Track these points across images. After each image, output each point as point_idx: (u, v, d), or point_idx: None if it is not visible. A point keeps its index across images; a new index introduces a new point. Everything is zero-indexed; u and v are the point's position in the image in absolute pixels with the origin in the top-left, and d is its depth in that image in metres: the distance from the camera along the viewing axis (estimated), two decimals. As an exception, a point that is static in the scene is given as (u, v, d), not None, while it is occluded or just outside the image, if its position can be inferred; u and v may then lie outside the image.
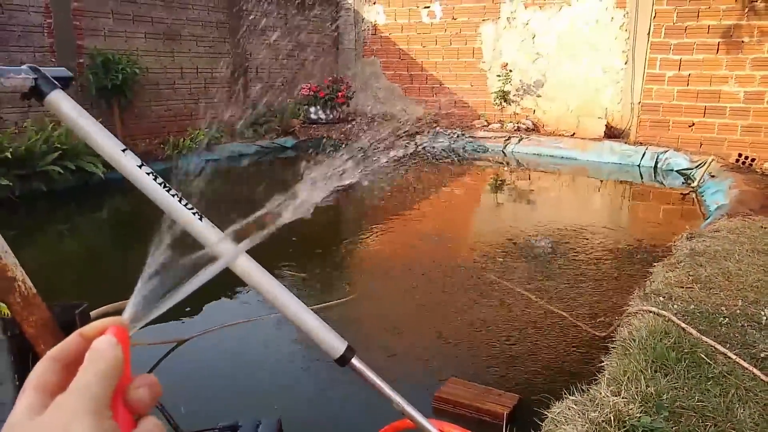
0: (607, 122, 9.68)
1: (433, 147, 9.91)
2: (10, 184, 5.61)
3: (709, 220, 4.90)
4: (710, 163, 7.21)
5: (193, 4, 9.11)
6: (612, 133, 9.75)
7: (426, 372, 2.99)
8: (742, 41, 8.49)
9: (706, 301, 2.95)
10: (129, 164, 1.10)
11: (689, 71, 8.99)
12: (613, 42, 9.63)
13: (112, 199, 6.71)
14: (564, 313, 3.48)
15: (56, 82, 1.12)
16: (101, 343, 0.43)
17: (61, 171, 6.02)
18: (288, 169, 8.74)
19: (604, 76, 9.78)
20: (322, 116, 10.42)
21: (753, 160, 6.86)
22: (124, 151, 1.10)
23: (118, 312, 0.50)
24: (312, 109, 10.40)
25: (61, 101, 1.11)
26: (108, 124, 7.74)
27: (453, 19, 10.84)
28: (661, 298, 2.94)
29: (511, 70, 10.19)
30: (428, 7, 11.00)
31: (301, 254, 4.64)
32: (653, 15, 9.12)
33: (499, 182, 8.62)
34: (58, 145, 6.17)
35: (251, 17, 10.14)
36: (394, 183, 7.75)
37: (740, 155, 6.90)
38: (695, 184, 6.97)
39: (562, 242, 5.07)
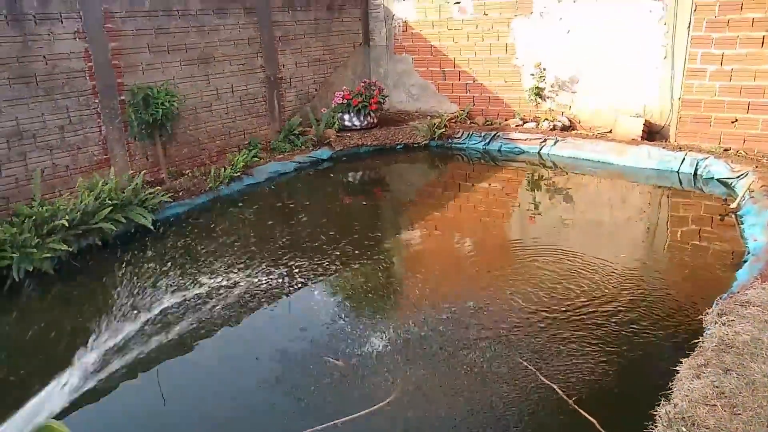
0: (646, 120, 9.48)
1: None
2: (70, 249, 5.97)
3: (742, 280, 4.91)
4: (750, 179, 7.09)
5: (224, 24, 9.20)
6: (651, 130, 9.57)
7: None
8: (789, 35, 8.14)
9: (727, 427, 3.08)
10: None
11: (732, 66, 8.69)
12: (652, 36, 9.33)
13: (158, 240, 6.88)
14: (586, 415, 3.66)
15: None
16: None
17: (114, 228, 6.36)
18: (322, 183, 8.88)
19: (642, 71, 9.52)
20: (356, 123, 10.50)
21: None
22: None
23: None
24: (346, 117, 10.48)
25: None
26: (152, 157, 8.10)
27: (484, 14, 10.62)
28: (684, 429, 3.09)
29: (545, 68, 10.00)
30: (459, 2, 10.77)
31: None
32: (694, 8, 8.77)
33: (534, 187, 8.66)
34: (108, 201, 6.49)
35: (281, 27, 10.16)
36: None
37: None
38: (734, 205, 6.89)
39: (582, 290, 5.17)
